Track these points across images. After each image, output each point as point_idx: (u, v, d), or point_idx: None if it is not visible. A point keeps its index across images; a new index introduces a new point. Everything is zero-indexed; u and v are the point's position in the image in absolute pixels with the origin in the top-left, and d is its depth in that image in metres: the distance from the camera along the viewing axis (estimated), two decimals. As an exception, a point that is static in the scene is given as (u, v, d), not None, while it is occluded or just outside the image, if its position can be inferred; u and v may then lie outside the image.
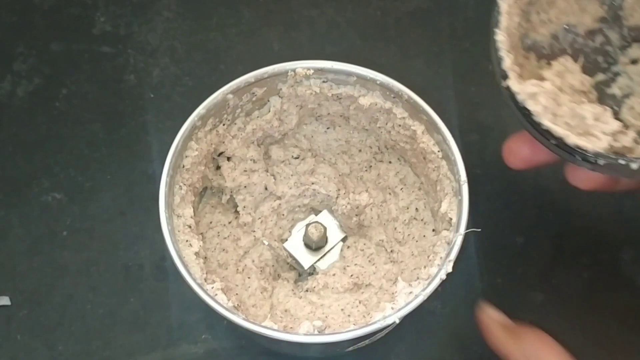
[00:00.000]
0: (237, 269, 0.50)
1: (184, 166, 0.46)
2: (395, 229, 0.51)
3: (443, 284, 0.43)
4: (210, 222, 0.52)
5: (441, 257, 0.45)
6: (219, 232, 0.51)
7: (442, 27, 0.67)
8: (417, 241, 0.50)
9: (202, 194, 0.52)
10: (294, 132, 0.53)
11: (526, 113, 0.37)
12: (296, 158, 0.53)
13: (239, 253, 0.51)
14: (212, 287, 0.44)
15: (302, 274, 0.53)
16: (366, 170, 0.54)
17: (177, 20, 0.67)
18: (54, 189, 0.59)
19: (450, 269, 0.43)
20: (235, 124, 0.50)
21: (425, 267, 0.46)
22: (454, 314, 0.55)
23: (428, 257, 0.48)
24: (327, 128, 0.53)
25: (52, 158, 0.60)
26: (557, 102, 0.38)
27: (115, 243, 0.58)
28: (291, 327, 0.49)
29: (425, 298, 0.42)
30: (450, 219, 0.45)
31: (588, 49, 0.45)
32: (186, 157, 0.46)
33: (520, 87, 0.38)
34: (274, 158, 0.53)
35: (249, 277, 0.50)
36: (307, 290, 0.50)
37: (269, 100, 0.50)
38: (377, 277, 0.50)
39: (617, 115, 0.42)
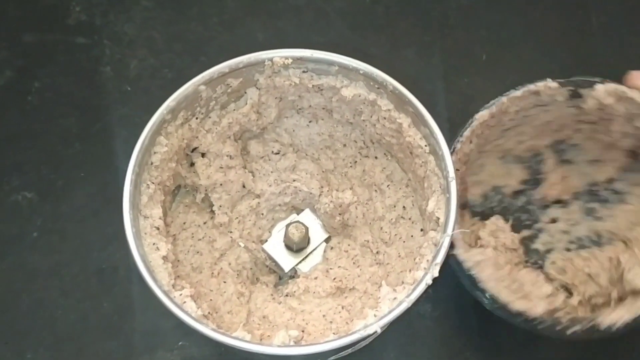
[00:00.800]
0: (212, 273, 0.49)
1: (152, 163, 0.44)
2: (382, 228, 0.50)
3: (433, 286, 0.41)
4: (184, 223, 0.50)
5: (428, 260, 0.43)
6: (193, 234, 0.50)
7: (434, 15, 0.66)
8: (404, 242, 0.49)
9: (175, 193, 0.50)
10: (274, 125, 0.51)
11: (473, 280, 0.43)
12: (276, 154, 0.52)
13: (214, 255, 0.49)
14: (181, 294, 0.42)
15: (283, 277, 0.51)
16: (351, 166, 0.52)
17: (156, 9, 0.65)
18: (25, 187, 0.58)
19: (436, 273, 0.40)
20: (209, 117, 0.48)
21: (411, 270, 0.44)
22: (446, 318, 0.54)
23: (414, 259, 0.45)
24: (309, 121, 0.52)
25: (22, 155, 0.59)
26: (497, 267, 0.44)
27: (88, 244, 0.56)
28: (269, 335, 0.46)
29: (410, 305, 0.40)
30: (438, 218, 0.44)
31: (514, 207, 0.52)
32: (155, 153, 0.44)
33: (467, 256, 0.44)
34: (252, 154, 0.51)
35: (224, 282, 0.49)
36: (287, 295, 0.49)
37: (245, 92, 0.48)
38: (361, 281, 0.49)
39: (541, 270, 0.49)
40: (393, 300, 0.42)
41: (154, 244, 0.43)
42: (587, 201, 0.52)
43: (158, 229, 0.44)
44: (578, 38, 0.65)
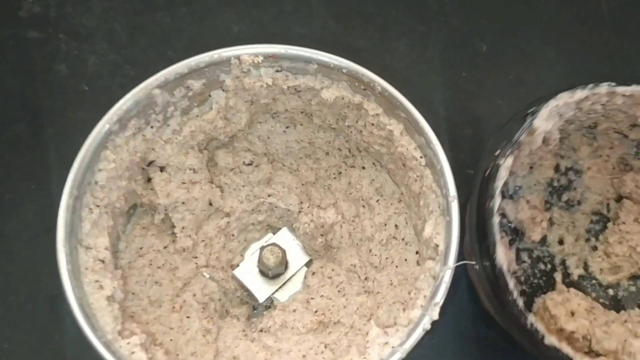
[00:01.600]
0: (174, 307, 0.45)
1: (96, 183, 0.41)
2: (371, 251, 0.47)
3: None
4: (141, 248, 0.46)
5: (425, 296, 0.38)
6: (151, 261, 0.46)
7: (429, 2, 0.62)
8: (397, 267, 0.46)
9: (130, 213, 0.47)
10: (245, 133, 0.48)
11: None
12: (248, 165, 0.48)
13: (176, 286, 0.46)
14: (128, 343, 0.37)
15: (257, 308, 0.48)
16: (335, 178, 0.49)
17: (119, -2, 0.61)
18: (-34, 202, 0.54)
19: (436, 316, 0.36)
20: (168, 125, 0.45)
21: (405, 309, 0.39)
22: (445, 347, 0.50)
23: (409, 293, 0.41)
24: (286, 127, 0.49)
25: (-35, 164, 0.55)
26: None
27: (38, 267, 0.52)
28: (239, 382, 0.41)
29: (404, 355, 0.34)
30: (437, 245, 0.40)
31: None
32: (100, 170, 0.41)
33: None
34: (220, 165, 0.48)
35: (187, 317, 0.45)
36: (261, 331, 0.45)
37: (210, 95, 0.45)
38: (347, 313, 0.46)
39: None
40: (384, 346, 0.37)
41: (96, 281, 0.38)
42: None
43: (103, 262, 0.39)
44: (587, 25, 0.61)
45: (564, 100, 0.41)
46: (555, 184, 0.49)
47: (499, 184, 0.38)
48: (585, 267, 0.50)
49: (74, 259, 0.38)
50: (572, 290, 0.48)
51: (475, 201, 0.40)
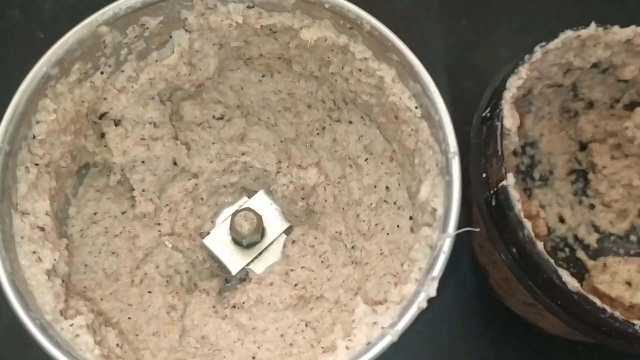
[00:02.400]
0: (133, 280, 0.41)
1: (34, 137, 0.36)
2: (358, 216, 0.44)
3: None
4: (95, 214, 0.43)
5: (420, 269, 0.34)
6: (106, 228, 0.42)
7: None
8: (388, 234, 0.42)
9: (82, 174, 0.43)
10: (215, 82, 0.45)
11: None
12: (219, 119, 0.45)
13: (136, 257, 0.42)
14: (72, 325, 0.32)
15: (230, 282, 0.45)
16: (318, 134, 0.46)
17: None
18: None
19: (433, 292, 0.32)
20: (122, 71, 0.41)
21: (397, 283, 0.35)
22: (441, 322, 0.48)
23: (402, 264, 0.36)
24: (262, 76, 0.46)
25: None
26: None
27: None
28: (208, 366, 0.39)
29: (396, 339, 0.31)
30: (434, 209, 0.35)
31: None
32: (38, 123, 0.37)
33: None
34: (186, 119, 0.45)
35: (149, 292, 0.41)
36: (234, 307, 0.42)
37: (170, 37, 0.42)
38: (332, 287, 0.43)
39: None
40: (372, 326, 0.33)
41: (34, 252, 0.34)
42: None
43: (43, 229, 0.35)
44: None
45: (513, 91, 0.40)
46: (522, 167, 0.49)
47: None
48: (596, 228, 0.49)
49: (7, 226, 0.33)
50: (607, 260, 0.47)
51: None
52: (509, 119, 0.39)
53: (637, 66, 0.44)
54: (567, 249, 0.48)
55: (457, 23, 0.57)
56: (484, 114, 0.40)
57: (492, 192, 0.37)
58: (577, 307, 0.35)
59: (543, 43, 0.41)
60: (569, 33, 0.41)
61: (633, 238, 0.49)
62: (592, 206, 0.49)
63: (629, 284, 0.45)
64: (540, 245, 0.35)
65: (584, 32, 0.41)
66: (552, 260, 0.35)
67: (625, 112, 0.47)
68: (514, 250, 0.36)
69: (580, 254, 0.48)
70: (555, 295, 0.35)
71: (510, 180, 0.37)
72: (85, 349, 0.32)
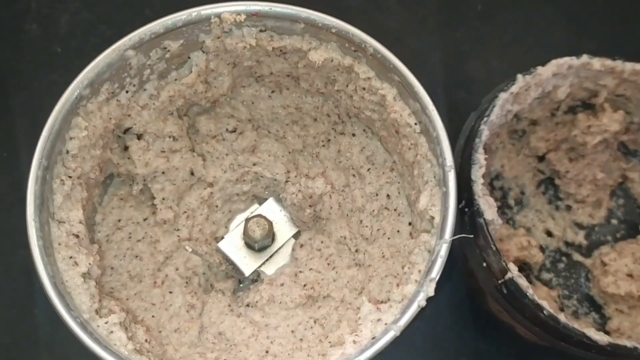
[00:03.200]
0: (155, 282, 0.43)
1: (68, 152, 0.38)
2: (361, 222, 0.45)
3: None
4: (119, 221, 0.44)
5: (420, 271, 0.36)
6: (130, 234, 0.44)
7: None
8: (389, 238, 0.44)
9: (107, 183, 0.44)
10: (228, 98, 0.46)
11: None
12: (232, 132, 0.46)
13: (157, 260, 0.44)
14: (106, 323, 0.34)
15: (243, 282, 0.46)
16: (323, 146, 0.47)
17: (90, -48, 0.58)
18: None
19: (432, 292, 0.34)
20: (144, 90, 0.42)
21: (398, 284, 0.37)
22: (437, 318, 0.50)
23: (403, 267, 0.39)
24: (272, 92, 0.47)
25: None
26: None
27: (13, 241, 0.50)
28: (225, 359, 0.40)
29: (399, 333, 0.33)
30: (432, 217, 0.37)
31: None
32: (71, 139, 0.38)
33: None
34: (202, 133, 0.46)
35: (170, 292, 0.43)
36: (247, 305, 0.43)
37: (189, 58, 0.43)
38: (337, 287, 0.44)
39: None
40: (376, 323, 0.35)
41: (70, 257, 0.36)
42: None
43: (77, 236, 0.37)
44: None
45: (480, 183, 0.40)
46: (498, 202, 0.49)
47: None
48: (580, 226, 0.50)
49: (46, 234, 0.35)
50: (601, 253, 0.48)
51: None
52: (488, 211, 0.39)
53: (567, 85, 0.45)
54: (564, 258, 0.49)
55: (452, 35, 0.57)
56: (460, 206, 0.39)
57: (500, 282, 0.38)
58: (608, 353, 0.37)
59: (485, 118, 0.41)
60: (503, 96, 0.42)
61: (614, 221, 0.50)
62: (568, 207, 0.50)
63: (630, 276, 0.46)
64: (563, 317, 0.37)
65: (514, 88, 0.42)
66: (577, 326, 0.37)
67: (568, 117, 0.48)
68: (537, 328, 0.38)
69: (577, 257, 0.49)
70: (585, 348, 0.38)
71: (513, 270, 0.37)
72: (119, 344, 0.34)
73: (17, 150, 0.53)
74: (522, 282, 0.37)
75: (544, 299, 0.38)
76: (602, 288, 0.47)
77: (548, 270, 0.49)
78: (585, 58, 0.43)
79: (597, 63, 0.43)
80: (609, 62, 0.43)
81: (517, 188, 0.50)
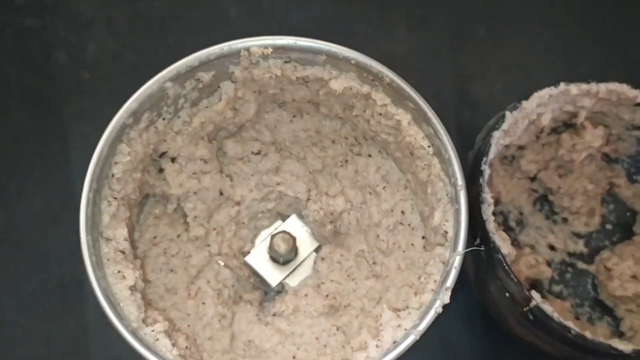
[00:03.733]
0: (189, 294, 0.45)
1: (113, 175, 0.40)
2: (378, 236, 0.47)
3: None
4: (155, 237, 0.46)
5: (435, 281, 0.39)
6: (165, 249, 0.46)
7: None
8: (404, 251, 0.46)
9: (143, 203, 0.46)
10: (253, 122, 0.48)
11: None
12: (257, 154, 0.48)
13: (190, 273, 0.46)
14: (153, 331, 0.37)
15: (269, 293, 0.48)
16: (341, 166, 0.49)
17: (115, -16, 0.60)
18: (-28, 192, 0.53)
19: (447, 300, 0.36)
20: (178, 117, 0.45)
21: (416, 293, 0.40)
22: (447, 325, 0.51)
23: (419, 277, 0.41)
24: (293, 116, 0.48)
25: (-32, 155, 0.54)
26: None
27: (48, 256, 0.52)
28: (256, 365, 0.42)
29: (418, 338, 0.35)
30: (446, 232, 0.40)
31: None
32: (116, 163, 0.41)
33: None
34: (229, 155, 0.48)
35: (203, 303, 0.45)
36: (274, 315, 0.46)
37: (219, 87, 0.45)
38: (357, 296, 0.46)
39: None
40: (397, 328, 0.38)
41: (119, 272, 0.38)
42: None
43: (123, 252, 0.39)
44: (585, 9, 0.61)
45: (491, 221, 0.41)
46: (502, 228, 0.51)
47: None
48: (578, 235, 0.52)
49: (97, 250, 0.38)
50: (602, 258, 0.50)
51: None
52: (503, 245, 0.40)
53: (549, 112, 0.47)
54: (569, 268, 0.51)
55: (457, 59, 0.59)
56: (475, 243, 0.41)
57: (525, 309, 0.40)
58: None
59: (485, 158, 0.42)
60: (496, 134, 0.43)
61: (608, 226, 0.52)
62: (565, 220, 0.52)
63: (634, 277, 0.49)
64: (589, 335, 0.39)
65: (505, 125, 0.44)
66: (606, 342, 0.39)
67: (552, 137, 0.50)
68: (566, 347, 0.40)
69: (581, 265, 0.51)
70: (612, 357, 0.39)
71: (537, 298, 0.39)
72: (165, 350, 0.36)
73: (52, 170, 0.54)
74: (547, 307, 0.39)
75: (558, 311, 0.40)
76: (609, 292, 0.49)
77: (557, 282, 0.51)
78: (562, 86, 0.45)
79: (574, 88, 0.45)
80: (584, 86, 0.46)
81: (516, 210, 0.52)
